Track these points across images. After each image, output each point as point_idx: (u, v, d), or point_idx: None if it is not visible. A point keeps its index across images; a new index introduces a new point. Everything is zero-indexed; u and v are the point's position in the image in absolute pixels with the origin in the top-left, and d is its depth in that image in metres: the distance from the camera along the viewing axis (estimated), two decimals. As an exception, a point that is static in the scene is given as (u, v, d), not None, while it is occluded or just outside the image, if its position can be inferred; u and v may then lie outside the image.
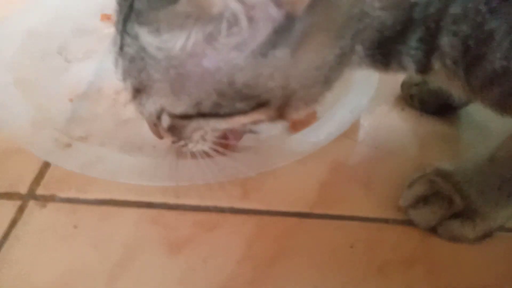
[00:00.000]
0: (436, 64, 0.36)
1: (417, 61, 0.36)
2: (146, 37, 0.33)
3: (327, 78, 0.36)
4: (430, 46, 0.35)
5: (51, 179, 0.48)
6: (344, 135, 0.50)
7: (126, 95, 0.38)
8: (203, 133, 0.40)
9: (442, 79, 0.38)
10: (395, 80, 0.58)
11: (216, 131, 0.40)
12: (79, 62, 0.62)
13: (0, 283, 0.40)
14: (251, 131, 0.48)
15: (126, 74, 0.36)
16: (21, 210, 0.45)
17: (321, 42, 0.34)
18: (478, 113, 0.55)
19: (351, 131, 0.51)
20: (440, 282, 0.41)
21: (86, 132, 0.52)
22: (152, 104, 0.37)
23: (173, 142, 0.42)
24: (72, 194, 0.47)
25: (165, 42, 0.32)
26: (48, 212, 0.45)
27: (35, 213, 0.45)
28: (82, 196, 0.46)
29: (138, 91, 0.36)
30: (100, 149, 0.48)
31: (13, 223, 0.44)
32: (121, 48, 0.35)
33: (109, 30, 0.37)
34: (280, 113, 0.37)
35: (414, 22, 0.35)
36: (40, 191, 0.47)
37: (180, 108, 0.36)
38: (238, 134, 0.47)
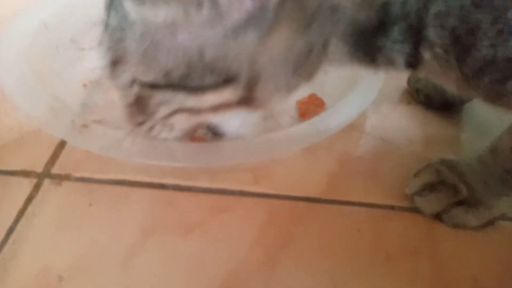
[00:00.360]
0: (427, 55, 0.36)
1: (405, 53, 0.36)
2: (129, 6, 0.34)
3: (296, 67, 0.37)
4: (416, 38, 0.35)
5: (66, 160, 0.49)
6: (351, 127, 0.51)
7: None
8: (168, 113, 0.39)
9: (435, 72, 0.37)
10: (401, 75, 0.59)
11: (182, 113, 0.39)
12: (92, 50, 0.62)
13: (17, 257, 0.41)
14: (215, 132, 0.46)
15: (106, 48, 0.37)
16: (37, 187, 0.46)
17: (288, 32, 0.34)
18: (482, 109, 0.56)
19: (358, 123, 0.53)
20: (444, 270, 0.42)
21: (100, 117, 0.52)
22: (125, 74, 0.38)
23: (139, 124, 0.42)
24: (86, 174, 0.48)
25: (147, 12, 0.33)
26: (64, 190, 0.46)
27: (51, 191, 0.46)
28: (96, 176, 0.47)
29: (115, 64, 0.38)
30: (115, 130, 0.49)
31: (29, 200, 0.45)
32: (107, 24, 0.37)
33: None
34: (250, 95, 0.37)
35: (392, 18, 0.35)
36: (55, 170, 0.48)
37: (150, 76, 0.37)
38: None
